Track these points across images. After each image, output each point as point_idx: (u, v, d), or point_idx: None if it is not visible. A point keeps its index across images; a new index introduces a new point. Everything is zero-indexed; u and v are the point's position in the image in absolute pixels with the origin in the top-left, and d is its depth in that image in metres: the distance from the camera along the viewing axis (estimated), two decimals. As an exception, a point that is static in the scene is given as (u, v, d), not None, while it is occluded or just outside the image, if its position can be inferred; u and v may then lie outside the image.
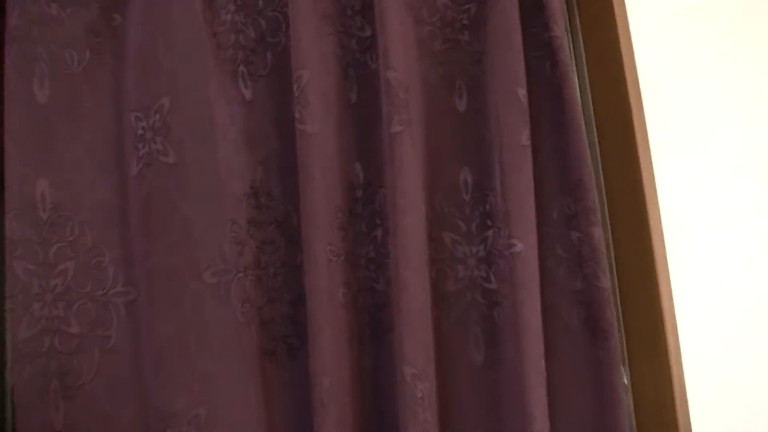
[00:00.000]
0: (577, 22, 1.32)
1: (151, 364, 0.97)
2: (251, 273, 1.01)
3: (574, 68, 1.19)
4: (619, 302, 1.22)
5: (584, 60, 1.31)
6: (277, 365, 1.04)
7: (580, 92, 1.27)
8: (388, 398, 1.05)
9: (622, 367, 1.07)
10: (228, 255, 0.98)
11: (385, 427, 1.05)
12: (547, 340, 1.06)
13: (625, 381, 1.16)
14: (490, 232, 1.12)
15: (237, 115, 1.05)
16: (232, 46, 1.08)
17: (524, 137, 1.09)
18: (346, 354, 1.02)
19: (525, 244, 1.05)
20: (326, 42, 1.10)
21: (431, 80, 1.16)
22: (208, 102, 1.00)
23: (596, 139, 1.27)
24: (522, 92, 1.10)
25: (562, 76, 1.13)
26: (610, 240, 1.23)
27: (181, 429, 0.93)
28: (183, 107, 1.00)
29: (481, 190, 1.14)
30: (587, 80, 1.29)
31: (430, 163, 1.12)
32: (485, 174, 1.14)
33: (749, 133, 1.35)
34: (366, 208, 1.11)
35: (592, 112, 1.28)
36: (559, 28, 1.14)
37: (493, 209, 1.12)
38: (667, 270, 1.14)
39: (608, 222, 1.24)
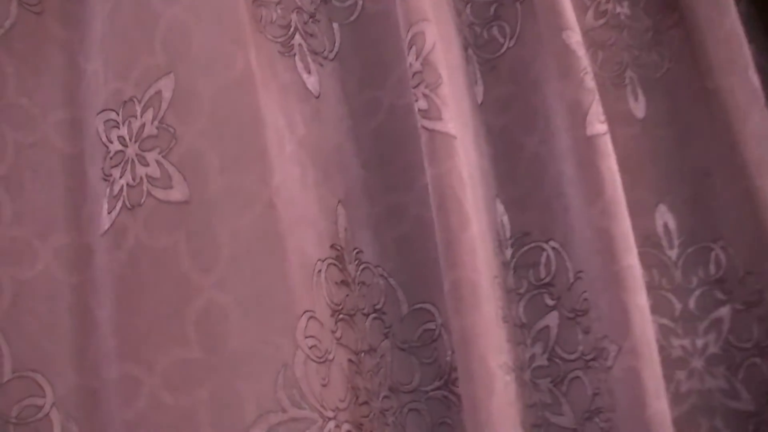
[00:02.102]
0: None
1: None
2: (347, 420, 0.50)
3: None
4: None
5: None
6: None
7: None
8: None
9: None
10: (304, 387, 0.47)
11: None
12: None
13: None
14: (724, 310, 0.66)
15: (297, 116, 0.58)
16: (278, 4, 0.61)
17: None
18: None
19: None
20: None
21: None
22: (251, 85, 0.52)
23: None
24: (756, 78, 0.67)
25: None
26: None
27: None
28: (200, 94, 0.50)
29: (697, 242, 0.68)
30: None
31: None
32: (698, 215, 0.69)
33: None
34: (521, 279, 0.63)
35: None
36: None
37: (728, 272, 0.66)
38: None
39: None
